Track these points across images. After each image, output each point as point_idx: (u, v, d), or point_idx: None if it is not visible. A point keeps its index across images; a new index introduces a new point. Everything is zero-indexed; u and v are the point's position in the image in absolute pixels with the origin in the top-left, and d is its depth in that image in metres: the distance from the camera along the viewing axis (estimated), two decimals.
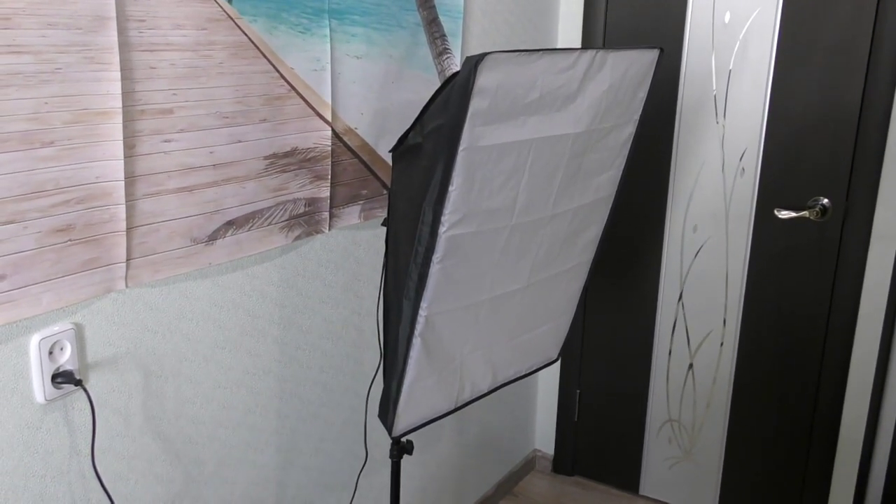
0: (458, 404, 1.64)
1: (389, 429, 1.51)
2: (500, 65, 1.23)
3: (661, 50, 1.57)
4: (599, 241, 1.76)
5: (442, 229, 1.33)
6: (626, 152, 1.65)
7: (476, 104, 1.24)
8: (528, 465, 2.98)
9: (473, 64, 1.20)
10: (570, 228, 1.62)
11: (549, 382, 2.93)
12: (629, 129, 1.61)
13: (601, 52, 1.42)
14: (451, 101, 1.26)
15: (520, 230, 1.48)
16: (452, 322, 1.48)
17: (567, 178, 1.51)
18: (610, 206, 1.71)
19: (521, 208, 1.44)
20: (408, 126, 1.48)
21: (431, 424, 2.31)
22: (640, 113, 1.61)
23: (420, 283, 1.38)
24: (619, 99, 1.52)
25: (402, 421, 1.52)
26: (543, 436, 3.00)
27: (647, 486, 2.81)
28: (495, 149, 1.32)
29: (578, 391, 2.87)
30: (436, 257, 1.35)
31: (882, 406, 2.35)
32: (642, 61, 1.53)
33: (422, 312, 1.41)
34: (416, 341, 1.43)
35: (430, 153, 1.35)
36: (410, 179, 1.44)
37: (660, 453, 2.76)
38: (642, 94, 1.59)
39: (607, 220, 1.73)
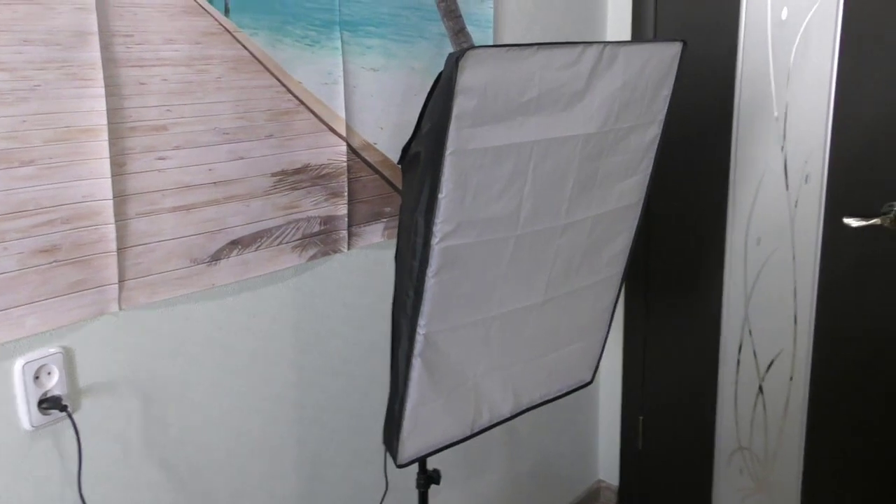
0: (476, 429, 1.53)
1: (394, 455, 1.42)
2: (486, 61, 1.14)
3: (684, 43, 1.45)
4: (629, 253, 1.63)
5: (434, 240, 1.24)
6: (651, 155, 1.52)
7: (461, 104, 1.15)
8: (592, 496, 2.82)
9: (454, 60, 1.12)
10: (591, 239, 1.50)
11: (610, 409, 2.77)
12: (654, 130, 1.49)
13: (610, 46, 1.31)
14: (437, 103, 1.17)
15: (528, 241, 1.37)
16: (458, 340, 1.38)
17: (582, 184, 1.40)
18: (638, 213, 1.59)
19: (528, 217, 1.34)
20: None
21: (477, 452, 2.22)
22: (665, 113, 1.49)
23: (416, 298, 1.29)
24: (638, 97, 1.40)
25: (409, 447, 1.42)
26: (607, 465, 2.84)
27: None
28: (490, 152, 1.22)
29: (642, 418, 2.71)
30: (430, 271, 1.26)
31: None
32: (662, 56, 1.41)
33: (420, 330, 1.31)
34: (417, 361, 1.34)
35: (423, 160, 1.26)
36: (410, 190, 1.36)
37: (731, 484, 2.57)
38: (666, 92, 1.47)
39: (636, 229, 1.60)
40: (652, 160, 1.53)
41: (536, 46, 1.20)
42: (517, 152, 1.26)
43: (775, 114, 2.26)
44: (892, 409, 2.22)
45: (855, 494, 2.33)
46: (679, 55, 1.45)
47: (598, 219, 1.48)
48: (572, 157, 1.35)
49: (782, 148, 2.27)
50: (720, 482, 2.58)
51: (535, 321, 1.51)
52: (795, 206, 2.28)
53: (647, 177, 1.54)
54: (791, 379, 2.38)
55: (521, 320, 1.48)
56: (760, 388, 2.45)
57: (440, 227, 1.23)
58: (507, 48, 1.16)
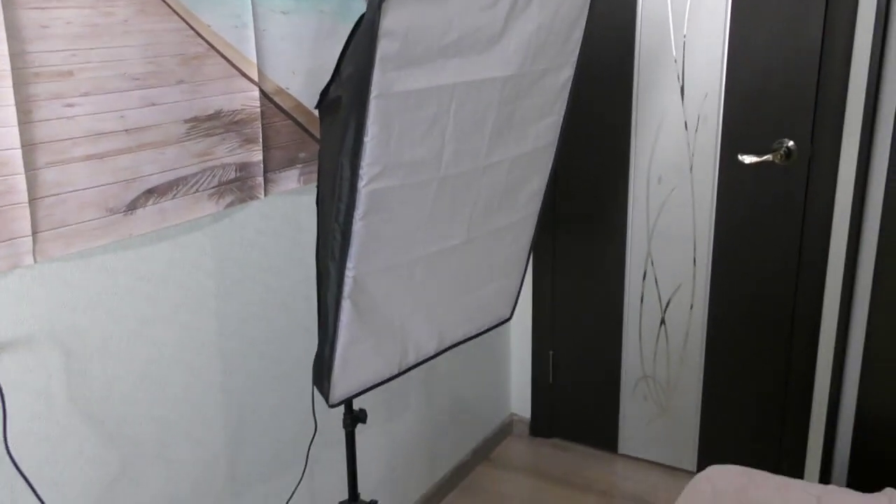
0: (403, 368, 1.57)
1: (326, 396, 1.45)
2: (407, 4, 1.15)
3: None
4: (545, 193, 1.68)
5: (361, 183, 1.25)
6: (565, 96, 1.57)
7: (385, 47, 1.16)
8: (505, 430, 2.93)
9: (377, 4, 1.12)
10: (509, 179, 1.54)
11: (521, 345, 2.87)
12: (566, 72, 1.53)
13: None
14: (359, 47, 1.18)
15: (451, 182, 1.40)
16: (385, 282, 1.41)
17: (500, 126, 1.43)
18: (553, 155, 1.64)
19: (450, 159, 1.37)
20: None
21: (397, 391, 2.26)
22: (577, 55, 1.53)
23: (344, 242, 1.31)
24: (552, 40, 1.44)
25: (340, 388, 1.45)
26: (519, 399, 2.95)
27: (626, 444, 2.76)
28: (412, 95, 1.24)
29: (552, 353, 2.81)
30: (357, 213, 1.28)
31: (847, 352, 2.29)
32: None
33: (348, 273, 1.33)
34: (346, 303, 1.36)
35: (346, 104, 1.27)
36: (333, 135, 1.36)
37: (636, 411, 2.71)
38: (578, 35, 1.51)
39: (551, 169, 1.66)
40: (566, 102, 1.58)
41: None
42: (438, 95, 1.28)
43: (674, 57, 2.35)
44: (781, 332, 2.38)
45: (747, 416, 2.51)
46: None
47: (516, 160, 1.52)
48: (491, 100, 1.38)
49: (681, 90, 2.36)
50: (626, 409, 2.73)
51: (458, 261, 1.55)
52: (693, 145, 2.39)
53: (562, 118, 1.59)
54: (691, 310, 2.52)
55: (444, 261, 1.51)
56: (663, 321, 2.58)
57: (366, 170, 1.24)
58: None
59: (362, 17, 1.19)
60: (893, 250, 2.15)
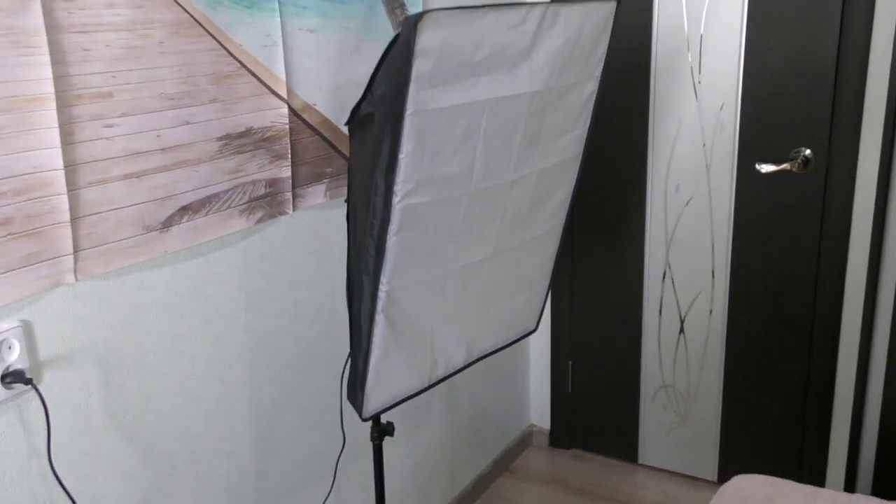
0: (433, 380, 1.59)
1: (359, 410, 1.47)
2: (442, 23, 1.17)
3: (619, 1, 1.51)
4: (570, 205, 1.70)
5: (395, 199, 1.28)
6: (590, 110, 1.59)
7: (419, 66, 1.18)
8: (525, 441, 2.95)
9: (413, 23, 1.15)
10: (535, 192, 1.56)
11: (540, 355, 2.89)
12: (591, 86, 1.56)
13: (553, 6, 1.36)
14: (394, 65, 1.20)
15: (480, 197, 1.43)
16: (417, 296, 1.43)
17: (527, 140, 1.46)
18: (578, 167, 1.66)
19: (480, 174, 1.39)
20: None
21: (419, 404, 2.28)
22: (601, 69, 1.55)
23: (378, 256, 1.33)
24: (577, 54, 1.46)
25: (373, 401, 1.47)
26: (538, 410, 2.96)
27: (646, 454, 2.77)
28: (445, 112, 1.26)
29: (571, 362, 2.83)
30: (391, 229, 1.30)
31: (871, 358, 2.30)
32: (598, 14, 1.47)
33: (382, 287, 1.36)
34: (380, 318, 1.38)
35: (379, 121, 1.29)
36: (364, 151, 1.39)
37: (656, 420, 2.72)
38: (602, 49, 1.53)
39: (576, 182, 1.68)
40: (590, 115, 1.60)
41: (486, 8, 1.24)
42: (470, 111, 1.30)
43: (690, 67, 2.37)
44: (800, 340, 2.39)
45: (767, 424, 2.52)
46: (614, 13, 1.51)
47: (543, 173, 1.55)
48: (520, 115, 1.40)
49: (697, 99, 2.38)
50: (646, 418, 2.74)
51: (486, 274, 1.57)
52: (711, 153, 2.41)
53: (586, 131, 1.61)
54: (710, 318, 2.54)
55: (473, 274, 1.53)
56: (682, 329, 2.60)
57: (401, 187, 1.26)
58: (460, 10, 1.20)
59: (397, 36, 1.22)
60: None
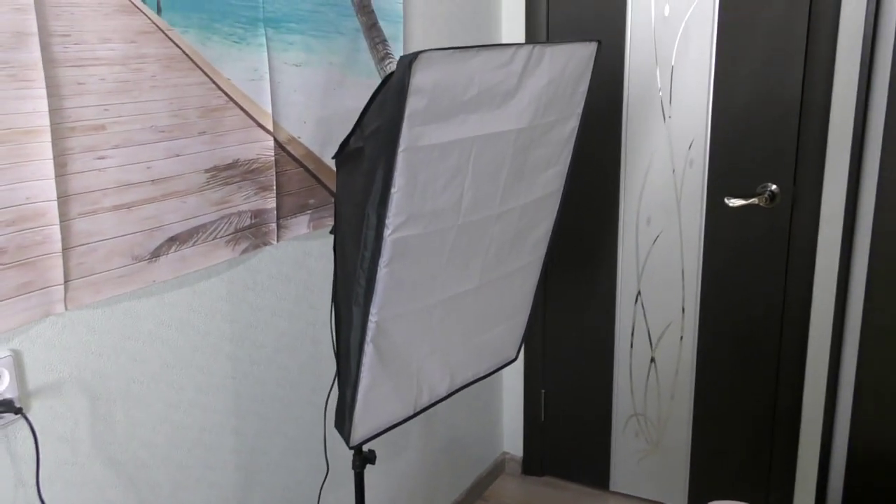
0: (417, 409, 1.61)
1: (347, 438, 1.49)
2: (435, 63, 1.22)
3: (599, 42, 1.57)
4: (550, 238, 1.75)
5: (387, 232, 1.31)
6: (571, 146, 1.64)
7: (413, 104, 1.22)
8: (498, 468, 2.97)
9: (407, 63, 1.19)
10: (519, 226, 1.60)
11: (514, 384, 2.92)
12: (572, 123, 1.61)
13: (538, 47, 1.41)
14: (388, 103, 1.24)
15: (468, 230, 1.46)
16: (405, 326, 1.46)
17: (512, 175, 1.50)
18: (559, 201, 1.71)
19: (468, 207, 1.43)
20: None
21: (396, 432, 2.30)
22: (582, 107, 1.61)
23: (368, 287, 1.36)
24: (560, 93, 1.52)
25: (360, 430, 1.49)
26: (511, 438, 2.99)
27: (618, 481, 2.81)
28: (436, 148, 1.30)
29: (543, 391, 2.86)
30: (382, 261, 1.33)
31: (838, 388, 2.37)
32: (581, 55, 1.53)
33: (372, 318, 1.38)
34: (369, 347, 1.41)
35: (371, 156, 1.33)
36: (354, 184, 1.42)
37: (628, 448, 2.77)
38: (583, 88, 1.59)
39: (557, 215, 1.73)
40: (571, 151, 1.65)
41: (477, 49, 1.28)
42: (460, 147, 1.34)
43: (661, 104, 2.45)
44: (767, 371, 2.46)
45: (736, 452, 2.57)
46: (594, 53, 1.57)
47: (526, 207, 1.59)
48: (506, 151, 1.44)
49: (668, 135, 2.46)
50: (618, 447, 2.78)
51: (471, 304, 1.60)
52: (681, 188, 2.48)
53: (567, 167, 1.67)
54: (680, 348, 2.59)
55: (458, 304, 1.57)
56: (653, 359, 2.65)
57: (392, 220, 1.30)
58: (452, 51, 1.24)
59: (390, 75, 1.26)
60: (882, 285, 2.24)
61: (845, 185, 2.23)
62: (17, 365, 1.29)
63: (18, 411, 1.26)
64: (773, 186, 2.34)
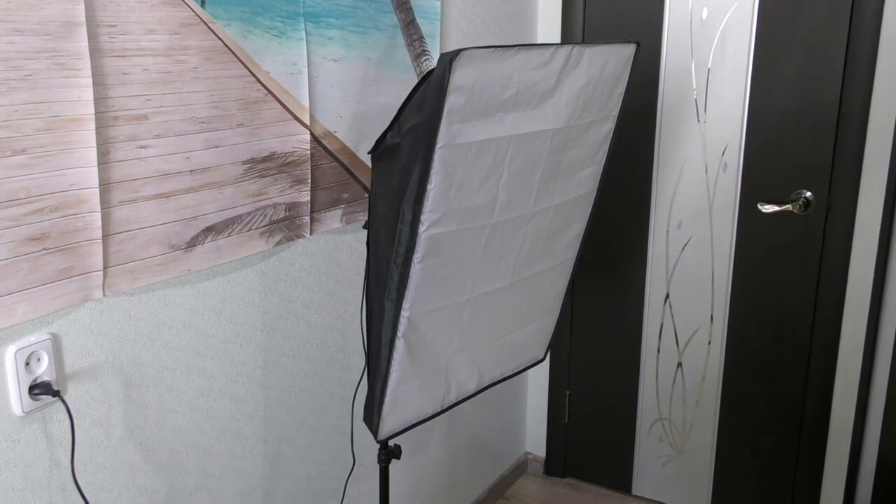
0: (445, 406, 1.62)
1: (375, 432, 1.50)
2: (475, 61, 1.22)
3: (638, 44, 1.57)
4: (582, 239, 1.75)
5: (422, 228, 1.32)
6: (606, 148, 1.64)
7: (452, 101, 1.23)
8: (520, 468, 2.97)
9: (448, 61, 1.19)
10: (552, 226, 1.61)
11: (538, 384, 2.92)
12: (609, 125, 1.61)
13: (577, 48, 1.41)
14: (428, 99, 1.25)
15: (501, 228, 1.47)
16: (436, 322, 1.47)
17: (547, 175, 1.50)
18: (592, 202, 1.71)
19: (502, 206, 1.43)
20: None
21: (420, 428, 2.31)
22: (619, 108, 1.61)
23: (401, 283, 1.37)
24: (598, 94, 1.52)
25: (388, 424, 1.50)
26: (534, 438, 2.99)
27: (640, 485, 2.80)
28: (473, 146, 1.31)
29: (568, 393, 2.86)
30: (416, 257, 1.34)
31: (870, 398, 2.35)
32: (619, 56, 1.52)
33: (404, 313, 1.39)
34: (400, 342, 1.42)
35: (407, 152, 1.34)
36: (390, 180, 1.43)
37: (651, 452, 2.76)
38: (620, 90, 1.59)
39: (590, 216, 1.72)
40: (606, 152, 1.65)
41: (517, 48, 1.29)
42: (496, 146, 1.35)
43: (696, 108, 2.43)
44: (796, 379, 2.44)
45: (761, 460, 2.55)
46: (633, 55, 1.57)
47: (559, 207, 1.59)
48: (542, 151, 1.45)
49: (702, 139, 2.44)
50: (641, 451, 2.77)
51: (501, 303, 1.61)
52: (714, 192, 2.47)
53: (602, 168, 1.66)
54: (708, 353, 2.58)
55: (489, 302, 1.57)
56: (679, 363, 2.64)
57: (427, 216, 1.31)
58: (493, 49, 1.25)
59: (430, 72, 1.27)
60: None
61: (883, 193, 2.20)
62: (56, 348, 1.31)
63: (56, 394, 1.29)
64: (808, 193, 2.32)
